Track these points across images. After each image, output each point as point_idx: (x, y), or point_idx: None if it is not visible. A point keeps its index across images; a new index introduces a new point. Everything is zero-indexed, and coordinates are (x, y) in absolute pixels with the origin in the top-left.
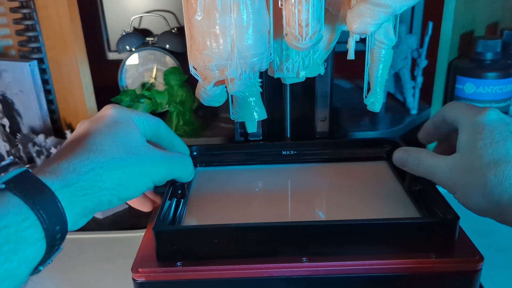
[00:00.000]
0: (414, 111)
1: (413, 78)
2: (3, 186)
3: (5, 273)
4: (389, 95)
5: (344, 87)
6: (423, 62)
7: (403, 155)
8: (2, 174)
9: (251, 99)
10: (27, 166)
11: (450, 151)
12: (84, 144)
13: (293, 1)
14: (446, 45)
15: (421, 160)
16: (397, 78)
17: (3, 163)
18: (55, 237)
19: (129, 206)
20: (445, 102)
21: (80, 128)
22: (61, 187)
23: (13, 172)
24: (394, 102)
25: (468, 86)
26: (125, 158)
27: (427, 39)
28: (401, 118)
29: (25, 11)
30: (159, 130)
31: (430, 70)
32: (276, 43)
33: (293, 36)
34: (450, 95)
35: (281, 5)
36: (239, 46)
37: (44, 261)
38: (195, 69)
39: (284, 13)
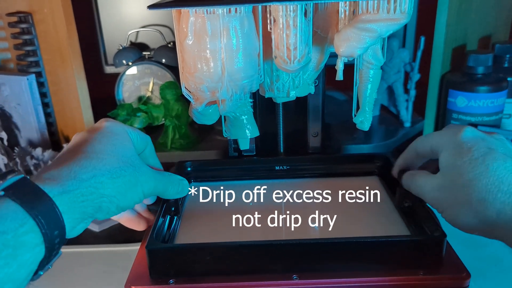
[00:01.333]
0: (407, 124)
1: (406, 91)
2: (2, 193)
3: (5, 277)
4: (383, 108)
5: (337, 99)
6: (416, 76)
7: (407, 178)
8: (1, 182)
9: (243, 117)
10: None
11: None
12: (84, 152)
13: (281, 25)
14: (438, 59)
15: (414, 180)
16: (390, 91)
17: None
18: (53, 242)
19: None
20: (438, 114)
21: (77, 138)
22: (60, 193)
23: (11, 179)
24: (388, 115)
25: (460, 100)
26: (123, 168)
27: (419, 53)
28: (394, 131)
29: (23, 25)
30: (146, 147)
31: (423, 83)
32: (266, 64)
33: (282, 59)
34: (442, 108)
35: (270, 28)
36: (229, 69)
37: (43, 265)
38: (187, 90)
39: (273, 36)
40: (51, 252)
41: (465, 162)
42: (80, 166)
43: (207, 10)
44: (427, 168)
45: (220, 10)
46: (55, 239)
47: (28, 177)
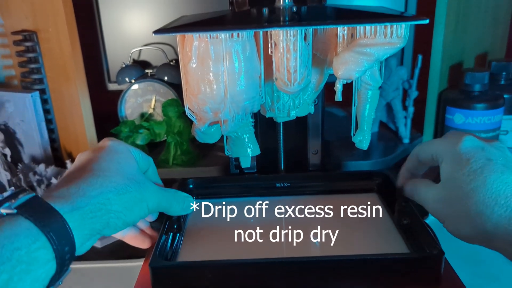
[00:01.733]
0: (406, 140)
1: (405, 108)
2: (15, 211)
3: None
4: (382, 124)
5: (337, 115)
6: (414, 93)
7: (410, 186)
8: (13, 200)
9: (244, 136)
10: None
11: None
12: (91, 170)
13: (282, 49)
14: (435, 77)
15: (417, 189)
16: (389, 108)
17: (11, 191)
18: (64, 258)
19: None
20: (436, 131)
21: (82, 157)
22: (70, 210)
23: (23, 198)
24: (387, 131)
25: (458, 117)
26: (129, 185)
27: (417, 71)
28: (393, 147)
29: (28, 44)
30: (149, 168)
31: (421, 100)
32: (267, 85)
33: (283, 82)
34: (441, 125)
35: (271, 52)
36: (232, 91)
37: (54, 281)
38: (190, 110)
39: (274, 59)
40: (62, 268)
41: (464, 174)
42: (88, 184)
43: (210, 35)
44: (430, 175)
45: (223, 35)
46: (65, 255)
47: (39, 195)
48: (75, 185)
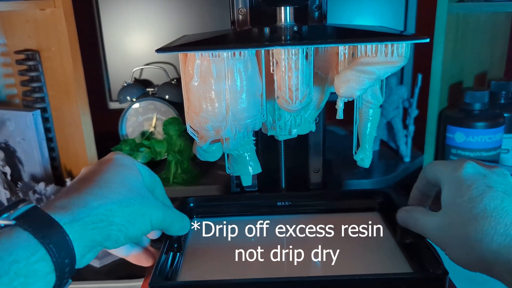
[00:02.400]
0: (407, 159)
1: (405, 126)
2: (14, 222)
3: None
4: (382, 143)
5: (338, 133)
6: (414, 112)
7: (404, 215)
8: (12, 211)
9: (246, 154)
10: None
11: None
12: (95, 181)
13: (283, 68)
14: (435, 96)
15: (416, 219)
16: (389, 126)
17: (13, 200)
18: (64, 270)
19: None
20: (437, 149)
21: (86, 169)
22: (70, 221)
23: (22, 208)
24: (388, 150)
25: (459, 135)
26: (132, 197)
27: (417, 90)
28: (394, 166)
29: (30, 63)
30: (156, 188)
31: (422, 118)
32: (268, 103)
33: (284, 100)
34: (441, 143)
35: (273, 70)
36: (233, 109)
37: None
38: (192, 128)
39: (275, 78)
40: (61, 281)
41: (465, 201)
42: (90, 194)
43: (212, 54)
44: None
45: (225, 53)
46: (65, 268)
47: (38, 206)
48: (76, 195)
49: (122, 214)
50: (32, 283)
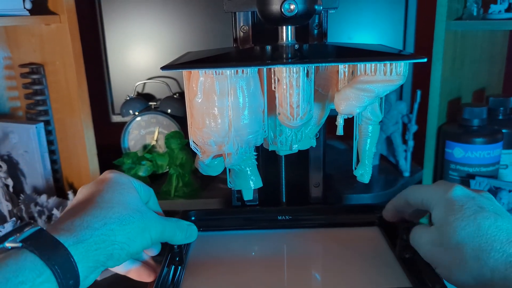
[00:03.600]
0: (406, 174)
1: (405, 142)
2: (20, 244)
3: None
4: (382, 158)
5: (338, 148)
6: (413, 127)
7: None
8: (18, 234)
9: (247, 169)
10: None
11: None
12: (94, 202)
13: (285, 85)
14: (434, 111)
15: (412, 234)
16: (389, 141)
17: (12, 222)
18: None
19: None
20: (436, 165)
21: (84, 190)
22: (74, 243)
23: (29, 231)
24: (387, 165)
25: (457, 151)
26: (131, 215)
27: (416, 106)
28: (394, 180)
29: (35, 76)
30: (150, 199)
31: (421, 134)
32: (270, 119)
33: (285, 116)
34: (440, 158)
35: (274, 87)
36: (236, 125)
37: None
38: (195, 143)
39: (277, 95)
40: None
41: (457, 219)
42: (91, 216)
43: (216, 71)
44: (415, 217)
45: (228, 71)
46: None
47: (44, 228)
48: (79, 217)
49: (123, 232)
50: None
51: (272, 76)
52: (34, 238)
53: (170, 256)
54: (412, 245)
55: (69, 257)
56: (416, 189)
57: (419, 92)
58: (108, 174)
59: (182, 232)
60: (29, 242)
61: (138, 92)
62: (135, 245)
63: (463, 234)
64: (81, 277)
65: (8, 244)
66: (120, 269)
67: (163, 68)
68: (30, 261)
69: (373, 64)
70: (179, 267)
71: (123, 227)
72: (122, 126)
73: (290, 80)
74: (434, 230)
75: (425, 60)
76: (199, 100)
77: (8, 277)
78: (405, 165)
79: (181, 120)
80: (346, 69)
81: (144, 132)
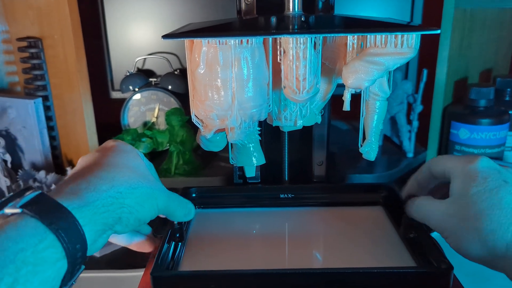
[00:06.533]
0: (410, 154)
1: (409, 122)
2: (20, 210)
3: None
4: (386, 138)
5: (342, 128)
6: (418, 107)
7: (410, 204)
8: (18, 199)
9: (250, 145)
10: None
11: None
12: (101, 165)
13: (291, 57)
14: (440, 91)
15: (418, 205)
16: (393, 121)
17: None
18: (76, 256)
19: None
20: (440, 146)
21: (86, 158)
22: (79, 206)
23: (29, 195)
24: (391, 145)
25: (463, 132)
26: (140, 180)
27: (422, 86)
28: (397, 161)
29: (32, 50)
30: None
31: (426, 114)
32: (274, 94)
33: (291, 90)
34: (445, 139)
35: (280, 60)
36: (239, 98)
37: (66, 281)
38: (197, 117)
39: (282, 67)
40: (74, 267)
41: (479, 191)
42: (98, 178)
43: (219, 41)
44: (437, 192)
45: (232, 41)
46: (77, 253)
47: (45, 192)
48: (84, 180)
49: (132, 196)
50: (41, 271)
51: (278, 47)
52: (35, 203)
53: (171, 232)
54: (419, 218)
55: (73, 220)
56: (440, 158)
57: (425, 71)
58: (112, 142)
59: (183, 208)
60: (29, 207)
61: (138, 68)
62: (143, 210)
63: (483, 206)
64: (89, 241)
65: (7, 210)
66: (123, 241)
67: (164, 36)
68: (30, 227)
69: (383, 36)
70: (180, 243)
71: (132, 190)
72: (121, 102)
73: (297, 52)
74: (450, 202)
75: (439, 31)
76: (202, 71)
77: (7, 246)
78: (409, 146)
79: (182, 96)
80: (355, 41)
81: (144, 108)
